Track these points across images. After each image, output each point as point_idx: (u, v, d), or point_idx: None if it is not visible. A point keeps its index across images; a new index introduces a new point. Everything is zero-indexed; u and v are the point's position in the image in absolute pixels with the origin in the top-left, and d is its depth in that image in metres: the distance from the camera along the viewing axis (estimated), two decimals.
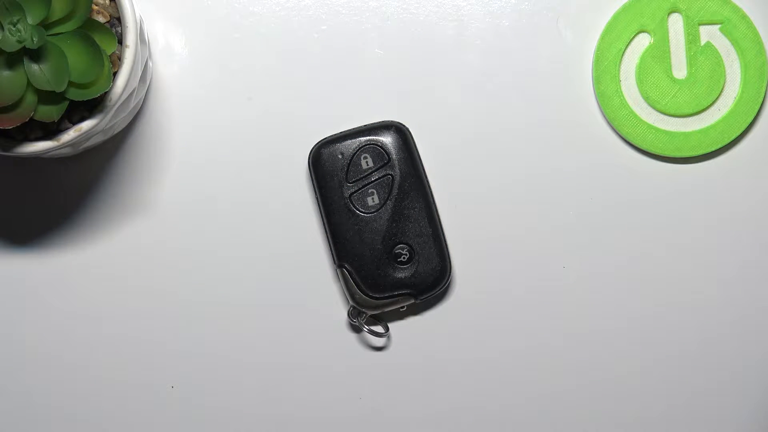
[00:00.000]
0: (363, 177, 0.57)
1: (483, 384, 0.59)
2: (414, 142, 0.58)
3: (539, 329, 0.59)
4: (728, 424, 0.60)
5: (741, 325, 0.59)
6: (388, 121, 0.58)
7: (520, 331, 0.59)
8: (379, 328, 0.59)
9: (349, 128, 0.58)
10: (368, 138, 0.57)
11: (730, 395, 0.59)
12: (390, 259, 0.57)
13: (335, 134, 0.58)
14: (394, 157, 0.57)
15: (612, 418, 0.60)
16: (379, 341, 0.59)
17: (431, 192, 0.58)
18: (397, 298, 0.58)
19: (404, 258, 0.57)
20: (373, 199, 0.57)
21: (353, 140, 0.57)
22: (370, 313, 0.58)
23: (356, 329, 0.59)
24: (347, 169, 0.57)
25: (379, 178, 0.57)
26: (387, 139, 0.57)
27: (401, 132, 0.57)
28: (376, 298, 0.58)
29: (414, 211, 0.57)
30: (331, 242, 0.58)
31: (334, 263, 0.58)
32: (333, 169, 0.57)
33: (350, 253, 0.57)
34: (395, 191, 0.57)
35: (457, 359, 0.59)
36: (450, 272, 0.58)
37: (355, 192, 0.57)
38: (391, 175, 0.57)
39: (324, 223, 0.58)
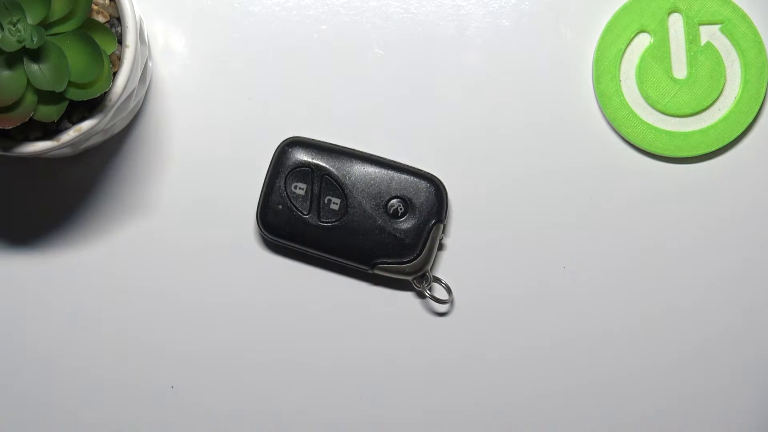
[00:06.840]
0: (310, 199, 0.57)
1: (483, 384, 0.59)
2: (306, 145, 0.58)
3: (539, 329, 0.59)
4: (728, 423, 0.60)
5: (741, 325, 0.59)
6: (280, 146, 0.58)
7: (520, 331, 0.59)
8: (443, 294, 0.59)
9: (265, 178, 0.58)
10: (283, 183, 0.57)
11: (730, 395, 0.59)
12: (391, 220, 0.57)
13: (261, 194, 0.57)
14: (312, 164, 0.57)
15: (612, 418, 0.59)
16: (442, 307, 0.59)
17: (361, 152, 0.57)
18: (428, 235, 0.57)
19: (400, 209, 0.57)
20: (334, 203, 0.57)
21: (275, 190, 0.57)
22: (431, 275, 0.58)
23: (420, 295, 0.59)
24: (294, 209, 0.57)
25: (321, 186, 0.57)
26: (300, 158, 0.57)
27: (291, 147, 0.57)
28: (417, 254, 0.57)
29: (367, 175, 0.57)
30: (345, 263, 0.58)
31: (366, 271, 0.58)
32: (285, 222, 0.57)
33: (367, 255, 0.57)
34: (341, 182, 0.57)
35: (457, 359, 0.59)
36: (442, 184, 0.58)
37: (317, 214, 0.57)
38: (326, 175, 0.57)
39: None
